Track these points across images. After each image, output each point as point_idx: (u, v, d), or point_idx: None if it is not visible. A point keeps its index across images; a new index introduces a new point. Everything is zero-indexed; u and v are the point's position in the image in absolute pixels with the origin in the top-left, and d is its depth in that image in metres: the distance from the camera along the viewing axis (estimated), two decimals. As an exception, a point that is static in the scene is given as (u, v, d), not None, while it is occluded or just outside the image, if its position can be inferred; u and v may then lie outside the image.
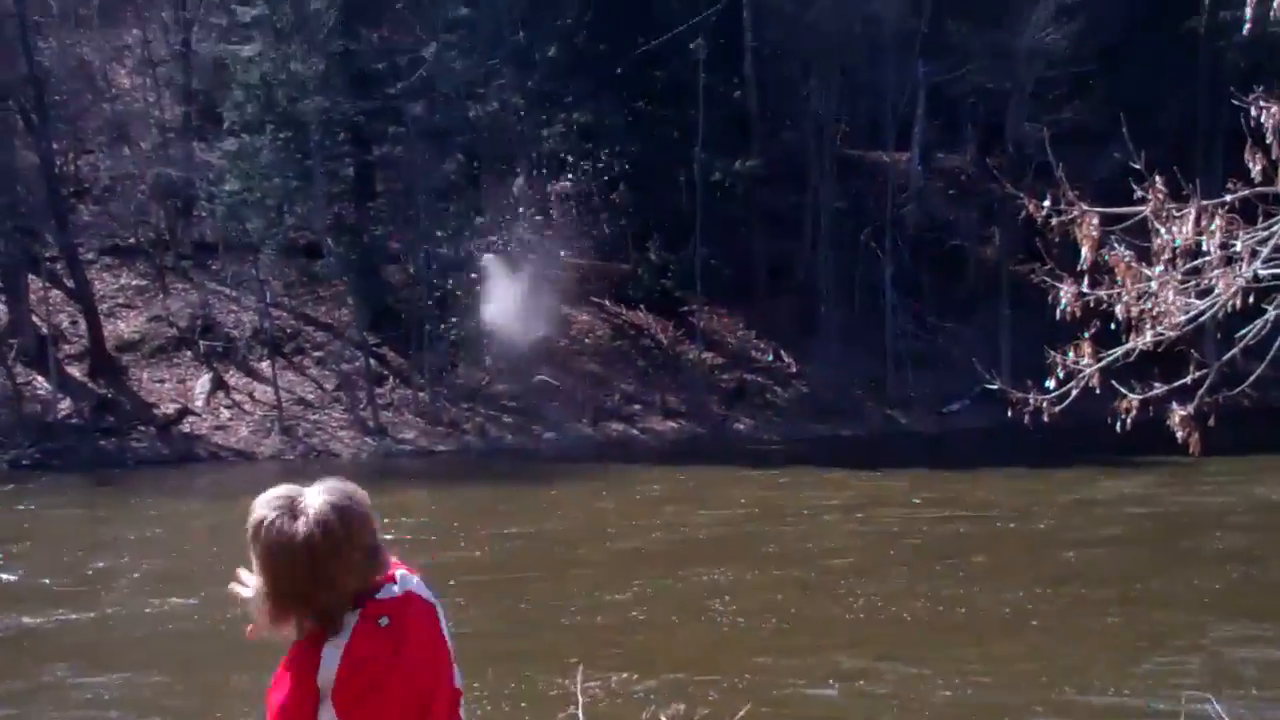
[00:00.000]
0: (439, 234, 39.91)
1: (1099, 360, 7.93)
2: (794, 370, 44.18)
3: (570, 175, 44.83)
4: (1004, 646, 17.81)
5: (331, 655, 3.46)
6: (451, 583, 20.52)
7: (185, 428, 38.55)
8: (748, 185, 44.31)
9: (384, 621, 3.50)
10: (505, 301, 37.94)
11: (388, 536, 3.59)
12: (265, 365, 40.14)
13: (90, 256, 42.35)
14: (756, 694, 15.36)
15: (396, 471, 35.62)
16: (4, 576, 22.93)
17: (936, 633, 18.46)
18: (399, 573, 3.62)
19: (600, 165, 44.49)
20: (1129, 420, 8.12)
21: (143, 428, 38.24)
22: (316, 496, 3.46)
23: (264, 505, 3.45)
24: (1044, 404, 8.44)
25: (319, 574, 3.42)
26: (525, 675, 16.40)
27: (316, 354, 41.53)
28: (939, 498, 29.77)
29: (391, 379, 41.26)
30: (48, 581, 22.36)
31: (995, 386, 9.46)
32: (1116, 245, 7.79)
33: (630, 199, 44.94)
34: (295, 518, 3.42)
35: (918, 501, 29.43)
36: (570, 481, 32.93)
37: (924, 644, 17.91)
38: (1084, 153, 32.78)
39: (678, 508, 29.28)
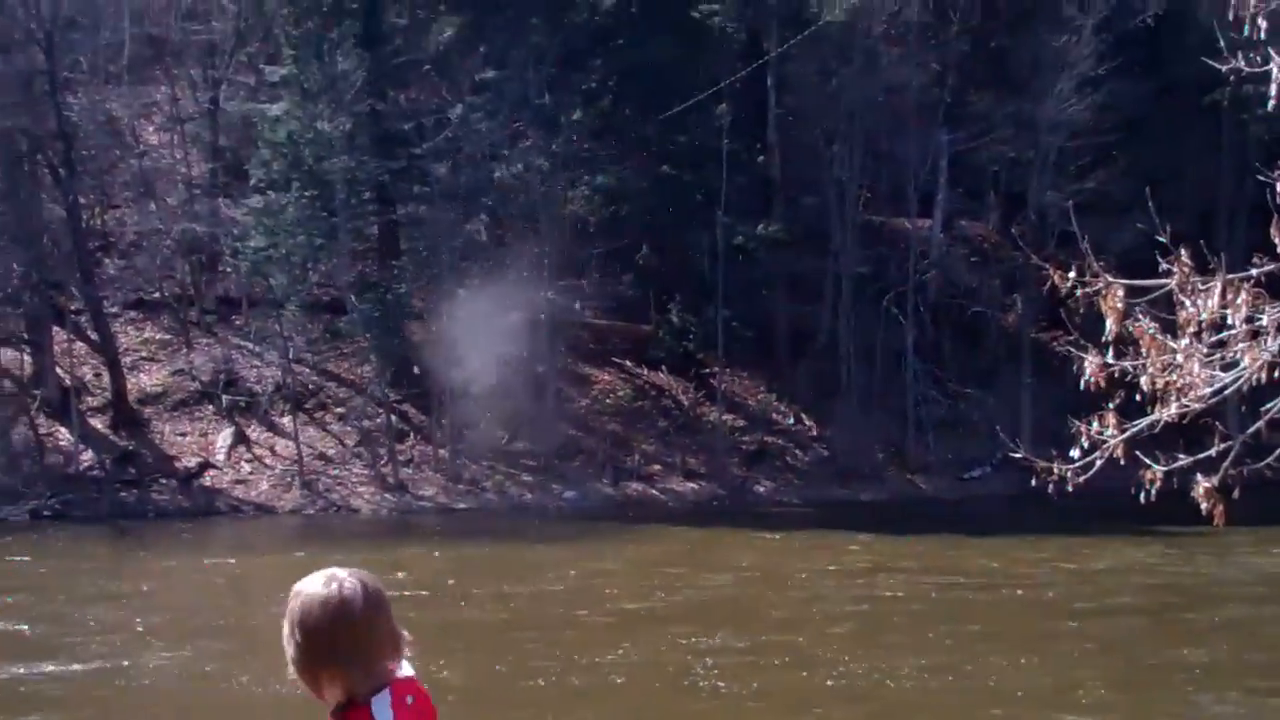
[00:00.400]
0: (461, 292, 40.05)
1: (1124, 432, 7.95)
2: (815, 433, 44.14)
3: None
4: (987, 716, 17.63)
5: None
6: (444, 642, 20.35)
7: (206, 481, 38.65)
8: (770, 249, 44.42)
9: (410, 700, 3.62)
10: (513, 358, 37.86)
11: (391, 593, 3.67)
12: (287, 420, 40.26)
13: (115, 310, 42.63)
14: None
15: (414, 528, 35.61)
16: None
17: (921, 701, 18.27)
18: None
19: (623, 227, 44.69)
20: (1154, 491, 8.13)
21: (164, 480, 38.36)
22: (346, 570, 3.63)
23: (303, 582, 3.61)
24: (1067, 473, 8.45)
25: (357, 637, 3.53)
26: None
27: (338, 410, 41.65)
28: (951, 564, 29.61)
29: (412, 435, 41.34)
30: (41, 631, 22.24)
31: (1019, 454, 9.47)
32: (1141, 317, 7.82)
33: (652, 261, 45.11)
34: (340, 582, 3.56)
35: (924, 567, 29.24)
36: (584, 541, 32.81)
37: (906, 712, 17.77)
38: (1106, 222, 32.88)
39: (686, 570, 29.14)
